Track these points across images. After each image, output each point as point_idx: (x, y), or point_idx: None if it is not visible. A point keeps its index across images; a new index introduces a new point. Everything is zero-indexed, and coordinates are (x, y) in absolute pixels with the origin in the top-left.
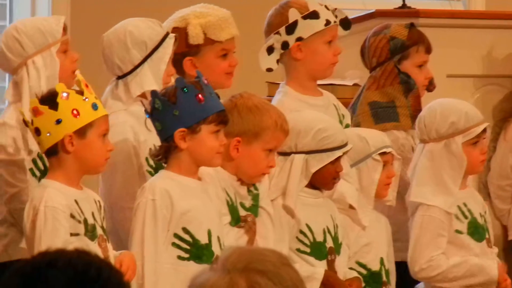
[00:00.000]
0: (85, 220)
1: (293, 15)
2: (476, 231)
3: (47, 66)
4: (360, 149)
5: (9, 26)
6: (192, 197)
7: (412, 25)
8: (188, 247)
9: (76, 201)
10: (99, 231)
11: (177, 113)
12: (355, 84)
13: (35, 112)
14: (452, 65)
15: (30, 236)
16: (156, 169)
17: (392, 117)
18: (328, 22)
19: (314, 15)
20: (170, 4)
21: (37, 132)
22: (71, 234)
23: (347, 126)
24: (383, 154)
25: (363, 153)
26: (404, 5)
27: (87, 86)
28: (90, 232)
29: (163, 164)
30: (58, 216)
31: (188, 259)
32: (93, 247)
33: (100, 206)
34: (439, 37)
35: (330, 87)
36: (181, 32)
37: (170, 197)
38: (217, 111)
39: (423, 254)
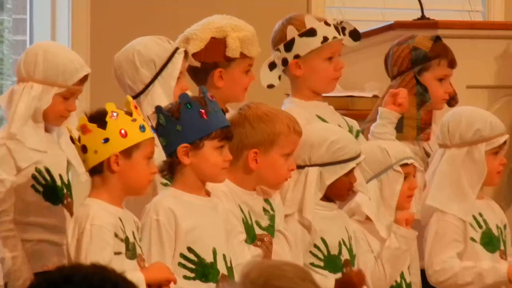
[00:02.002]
0: (127, 239)
1: (291, 32)
2: (490, 242)
3: (41, 99)
4: (381, 160)
5: (40, 44)
6: (196, 215)
7: (437, 38)
8: (193, 266)
9: (120, 219)
10: (138, 250)
11: (180, 128)
12: (374, 96)
13: (83, 129)
14: (472, 76)
15: (75, 255)
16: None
17: (396, 128)
18: (325, 39)
19: (310, 32)
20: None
21: (83, 149)
22: (114, 253)
23: (357, 132)
24: (404, 165)
25: (384, 165)
26: (423, 16)
27: (136, 107)
28: (131, 251)
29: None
30: (104, 234)
31: (194, 278)
32: (133, 266)
33: (137, 226)
34: (458, 48)
35: (349, 98)
36: (219, 43)
37: (175, 216)
38: (220, 127)
39: (438, 258)
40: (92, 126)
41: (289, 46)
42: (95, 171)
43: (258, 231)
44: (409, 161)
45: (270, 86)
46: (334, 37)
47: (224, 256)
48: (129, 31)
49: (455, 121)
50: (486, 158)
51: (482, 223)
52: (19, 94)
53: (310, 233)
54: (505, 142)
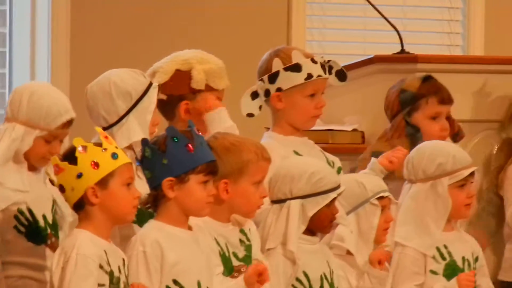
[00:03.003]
0: (111, 272)
1: (276, 64)
2: (454, 273)
3: (22, 140)
4: (358, 194)
5: (29, 85)
6: (181, 248)
7: (427, 77)
8: None
9: (105, 252)
10: (122, 285)
11: (166, 161)
12: (354, 129)
13: (56, 169)
14: (451, 110)
15: (58, 284)
16: (139, 216)
17: None
18: (309, 76)
19: (295, 67)
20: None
21: (61, 189)
22: (98, 285)
23: (339, 169)
24: (380, 198)
25: (361, 198)
26: (402, 50)
27: (106, 137)
28: (115, 285)
29: (152, 212)
30: (89, 264)
31: None
32: None
33: (124, 263)
34: None
35: (329, 132)
36: (184, 75)
37: (161, 248)
38: (206, 161)
39: None
40: (64, 164)
41: (273, 78)
42: (78, 207)
43: (235, 262)
44: (385, 194)
45: (250, 115)
46: (319, 75)
47: None
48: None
49: (418, 156)
50: (451, 191)
51: (446, 255)
52: (0, 134)
53: (294, 266)
54: (472, 174)
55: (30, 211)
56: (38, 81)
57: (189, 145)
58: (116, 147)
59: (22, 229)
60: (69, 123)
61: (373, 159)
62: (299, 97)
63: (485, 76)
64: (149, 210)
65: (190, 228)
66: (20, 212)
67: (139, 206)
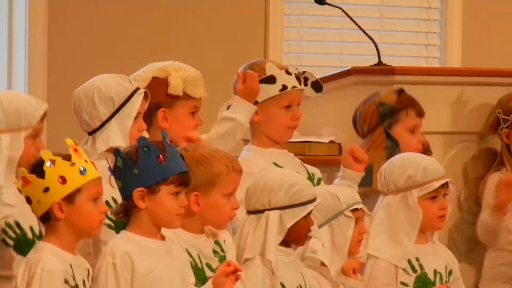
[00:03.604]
0: (76, 286)
1: None
2: (424, 286)
3: (12, 146)
4: (332, 206)
5: None
6: (152, 259)
7: (401, 91)
8: None
9: (71, 266)
10: None
11: (137, 172)
12: (331, 141)
13: (24, 181)
14: (428, 122)
15: None
16: (115, 222)
17: (365, 182)
18: (284, 88)
19: (270, 79)
20: (143, 61)
21: (28, 200)
22: None
23: (319, 180)
24: (354, 210)
25: (334, 210)
26: (380, 62)
27: (76, 150)
28: None
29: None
30: (54, 281)
31: None
32: None
33: (89, 274)
34: (415, 94)
35: (306, 144)
36: (160, 82)
37: (131, 259)
38: (178, 172)
39: None
40: (31, 177)
41: None
42: (44, 219)
43: (209, 273)
44: (358, 206)
45: None
46: (294, 87)
47: None
48: (86, 66)
49: (389, 168)
50: (422, 203)
51: (417, 267)
52: None
53: (274, 275)
54: (445, 186)
55: (17, 223)
56: None
57: (160, 156)
58: (86, 161)
59: (10, 242)
60: (45, 115)
61: (344, 170)
62: (275, 109)
63: (462, 88)
64: (122, 220)
65: (163, 238)
66: (8, 225)
67: (112, 217)
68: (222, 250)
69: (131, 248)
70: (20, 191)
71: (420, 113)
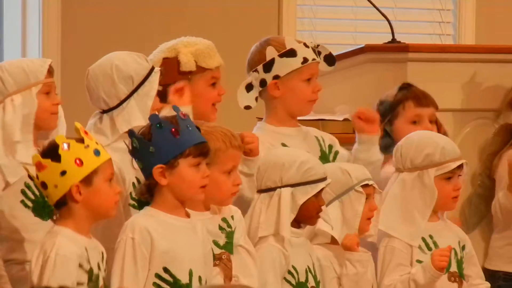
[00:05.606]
0: (91, 270)
1: (270, 53)
2: None
3: (25, 105)
4: (343, 182)
5: None
6: (174, 236)
7: (404, 86)
8: (168, 287)
9: (86, 249)
10: (101, 282)
11: (153, 150)
12: (345, 119)
13: (39, 167)
14: (442, 100)
15: (37, 282)
16: (139, 202)
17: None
18: (305, 60)
19: (291, 53)
20: (157, 38)
21: (43, 186)
22: (77, 283)
23: (336, 153)
24: (365, 186)
25: (345, 186)
26: (393, 40)
27: (86, 133)
28: (94, 282)
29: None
30: (68, 265)
31: None
32: None
33: (103, 257)
34: (428, 71)
35: (320, 122)
36: (172, 62)
37: (150, 235)
38: (194, 144)
39: (383, 282)
40: (47, 162)
41: (268, 66)
42: (60, 204)
43: (216, 250)
44: (369, 182)
45: (247, 108)
46: (313, 59)
47: (199, 278)
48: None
49: (407, 145)
50: (438, 183)
51: (431, 245)
52: (1, 114)
53: (286, 249)
54: (460, 167)
55: (36, 185)
56: None
57: (173, 129)
58: (96, 143)
59: (29, 203)
60: (51, 70)
61: (358, 135)
62: (297, 82)
63: (476, 65)
64: (147, 200)
65: (188, 215)
66: (27, 186)
67: (136, 197)
68: (229, 226)
69: (152, 225)
70: (31, 178)
71: (421, 103)
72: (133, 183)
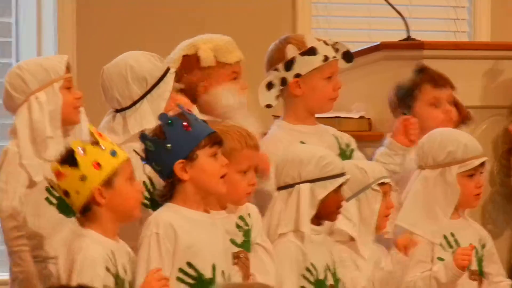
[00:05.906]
0: (117, 275)
1: (291, 51)
2: None
3: (50, 101)
4: (360, 180)
5: (10, 67)
6: (197, 231)
7: (420, 69)
8: (192, 281)
9: (112, 253)
10: (127, 285)
11: (170, 146)
12: (361, 117)
13: (58, 176)
14: (458, 97)
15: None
16: (152, 201)
17: None
18: (326, 58)
19: (312, 51)
20: (172, 37)
21: (66, 194)
22: (103, 286)
23: (351, 151)
24: (381, 184)
25: (362, 184)
26: (408, 37)
27: (100, 135)
28: (119, 286)
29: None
30: (96, 268)
31: None
32: None
33: (130, 258)
34: (444, 68)
35: (336, 119)
36: (192, 59)
37: (174, 230)
38: (207, 134)
39: (404, 279)
40: (65, 169)
41: (289, 65)
42: (85, 210)
43: (234, 249)
44: (386, 180)
45: (269, 106)
46: (334, 57)
47: (223, 272)
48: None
49: (429, 142)
50: (460, 180)
51: (453, 243)
52: (25, 111)
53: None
54: (482, 165)
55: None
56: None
57: (185, 124)
58: (112, 144)
59: (53, 200)
60: (69, 65)
61: (389, 138)
62: (318, 81)
63: (492, 62)
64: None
65: (207, 211)
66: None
67: (157, 199)
68: (247, 224)
69: (176, 220)
70: (53, 187)
71: (438, 84)
72: (144, 182)
